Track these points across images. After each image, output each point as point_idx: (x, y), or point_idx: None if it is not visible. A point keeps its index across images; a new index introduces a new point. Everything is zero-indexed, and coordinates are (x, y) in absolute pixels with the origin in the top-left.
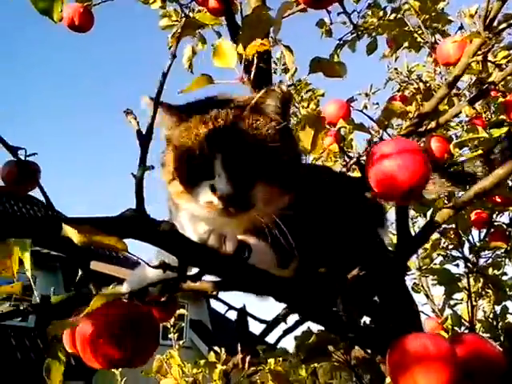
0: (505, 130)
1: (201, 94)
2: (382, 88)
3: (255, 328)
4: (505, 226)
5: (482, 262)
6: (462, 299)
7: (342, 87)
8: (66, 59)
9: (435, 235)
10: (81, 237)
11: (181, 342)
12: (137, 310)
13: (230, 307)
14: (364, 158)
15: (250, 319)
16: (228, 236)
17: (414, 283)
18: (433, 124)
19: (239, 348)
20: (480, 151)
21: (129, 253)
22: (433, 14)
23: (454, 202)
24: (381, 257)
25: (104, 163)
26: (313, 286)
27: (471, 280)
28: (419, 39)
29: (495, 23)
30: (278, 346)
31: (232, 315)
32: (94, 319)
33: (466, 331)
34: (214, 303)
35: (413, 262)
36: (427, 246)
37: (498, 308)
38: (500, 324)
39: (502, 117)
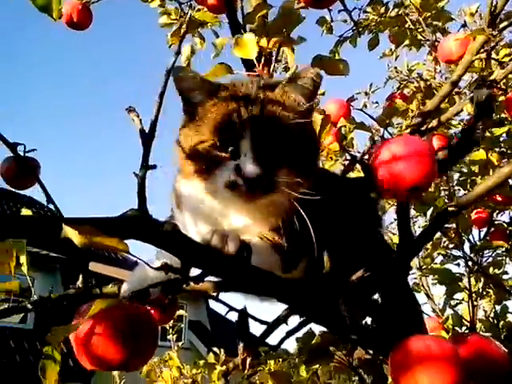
0: (505, 128)
1: None
2: (381, 87)
3: (256, 329)
4: (505, 225)
5: (482, 261)
6: (462, 299)
7: (341, 86)
8: (65, 59)
9: (436, 234)
10: (81, 238)
11: (180, 343)
12: (136, 311)
13: (231, 308)
14: (367, 156)
15: (250, 320)
16: (230, 236)
17: (415, 283)
18: (434, 122)
19: (240, 349)
20: (482, 151)
21: (130, 254)
22: (433, 11)
23: (456, 202)
24: (384, 257)
25: (105, 163)
26: (317, 287)
27: (472, 279)
28: (419, 37)
29: (497, 21)
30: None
31: (232, 316)
32: (92, 320)
33: (467, 331)
34: (213, 304)
35: (413, 261)
36: (428, 245)
37: (498, 307)
38: (501, 323)
39: (502, 115)
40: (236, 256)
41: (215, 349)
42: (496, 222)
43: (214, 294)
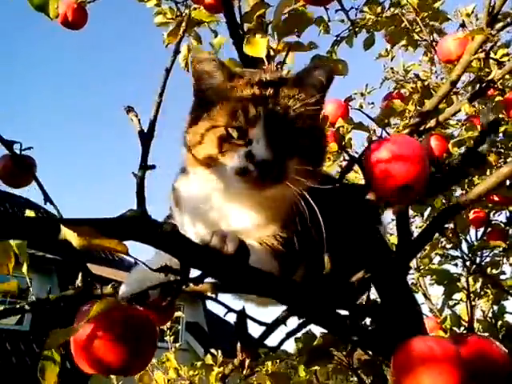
0: (502, 128)
1: None
2: (377, 87)
3: (254, 330)
4: (502, 225)
5: (480, 261)
6: (461, 299)
7: (337, 86)
8: (65, 59)
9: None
10: (80, 239)
11: (177, 345)
12: (136, 313)
13: (230, 309)
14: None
15: (249, 321)
16: (229, 236)
17: (412, 283)
18: (432, 122)
19: (239, 350)
20: None
21: (129, 255)
22: (429, 11)
23: (456, 202)
24: (384, 258)
25: (104, 163)
26: (316, 288)
27: (470, 280)
28: (416, 37)
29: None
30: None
31: (230, 317)
32: (91, 323)
33: (465, 331)
34: (210, 305)
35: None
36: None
37: (496, 307)
38: (499, 323)
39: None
40: (235, 256)
41: (213, 350)
42: (493, 222)
43: (213, 296)
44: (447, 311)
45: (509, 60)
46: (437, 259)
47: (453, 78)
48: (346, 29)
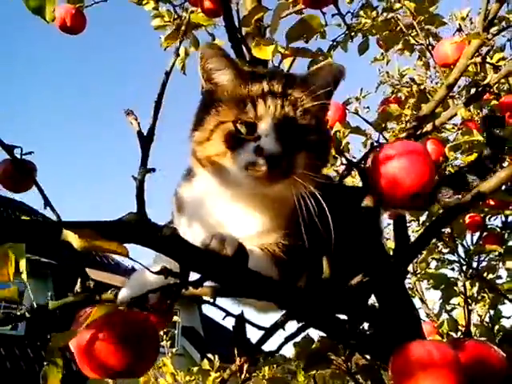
0: None
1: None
2: (372, 92)
3: (252, 335)
4: (498, 229)
5: (477, 265)
6: (458, 303)
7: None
8: (65, 59)
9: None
10: (81, 241)
11: (173, 350)
12: (137, 317)
13: (228, 313)
14: (363, 162)
15: (247, 326)
16: (228, 239)
17: (409, 287)
18: (429, 127)
19: (237, 355)
20: (475, 154)
21: (129, 258)
22: (426, 15)
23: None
24: (381, 262)
25: (104, 166)
26: (315, 293)
27: (467, 284)
28: (412, 41)
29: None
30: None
31: (226, 322)
32: (93, 327)
33: (462, 336)
34: (206, 309)
35: None
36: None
37: (493, 312)
38: (496, 327)
39: None
40: (233, 258)
41: (209, 355)
42: (489, 227)
43: (211, 300)
44: (444, 316)
45: (505, 64)
46: (433, 264)
47: (450, 81)
48: (343, 33)
